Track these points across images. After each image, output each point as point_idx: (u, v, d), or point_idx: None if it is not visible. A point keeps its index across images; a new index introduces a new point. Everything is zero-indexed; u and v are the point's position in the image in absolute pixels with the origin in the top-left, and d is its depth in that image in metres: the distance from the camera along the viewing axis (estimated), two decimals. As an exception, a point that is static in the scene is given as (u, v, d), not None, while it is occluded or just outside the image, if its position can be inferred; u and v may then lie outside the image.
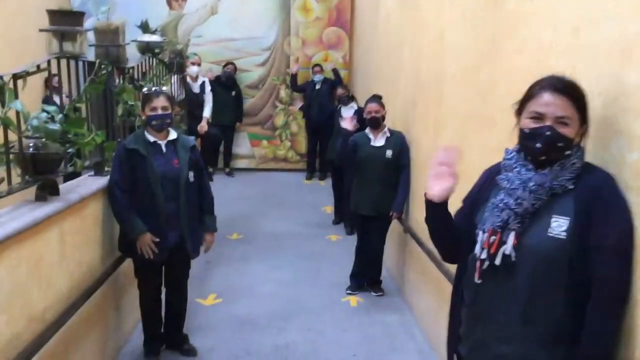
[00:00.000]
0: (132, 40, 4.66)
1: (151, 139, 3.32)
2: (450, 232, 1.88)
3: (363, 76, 7.64)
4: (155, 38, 4.58)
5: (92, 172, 3.43)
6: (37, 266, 2.42)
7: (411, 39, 4.53)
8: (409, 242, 4.45)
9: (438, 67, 3.71)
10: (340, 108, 6.70)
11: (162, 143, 3.34)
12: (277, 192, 8.20)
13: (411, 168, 4.47)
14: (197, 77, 6.25)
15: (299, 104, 8.95)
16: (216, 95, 8.56)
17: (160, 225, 3.27)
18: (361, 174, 4.63)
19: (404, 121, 4.75)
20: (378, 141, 4.53)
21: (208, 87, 6.46)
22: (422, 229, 4.14)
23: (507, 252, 1.66)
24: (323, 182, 8.73)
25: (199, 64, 6.21)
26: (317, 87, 8.55)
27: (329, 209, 7.38)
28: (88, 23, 8.76)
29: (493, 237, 1.69)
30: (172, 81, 5.46)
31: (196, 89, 6.26)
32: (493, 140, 2.66)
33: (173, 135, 3.39)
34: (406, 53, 4.72)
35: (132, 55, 4.27)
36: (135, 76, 4.22)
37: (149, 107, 3.28)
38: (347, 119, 4.54)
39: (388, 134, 4.54)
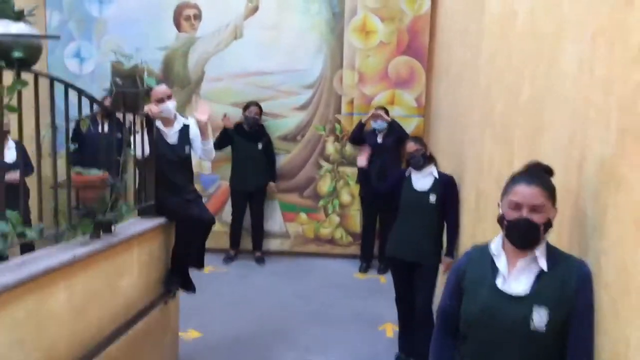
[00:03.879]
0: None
1: None
2: None
3: (451, 126, 4.96)
4: (17, 27, 2.12)
5: None
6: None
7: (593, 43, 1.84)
8: None
9: None
10: (409, 173, 4.04)
11: None
12: (316, 293, 5.54)
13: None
14: (174, 118, 3.79)
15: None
16: (237, 149, 6.14)
17: None
18: None
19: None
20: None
21: (194, 130, 3.90)
22: None
23: None
24: (383, 277, 5.98)
25: (168, 97, 3.68)
26: (379, 139, 5.94)
27: (390, 328, 4.69)
28: (70, 48, 6.73)
29: None
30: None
31: (172, 137, 3.77)
32: None
33: None
34: (569, 66, 2.02)
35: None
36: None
37: None
38: None
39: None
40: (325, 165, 6.44)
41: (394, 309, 4.28)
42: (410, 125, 6.21)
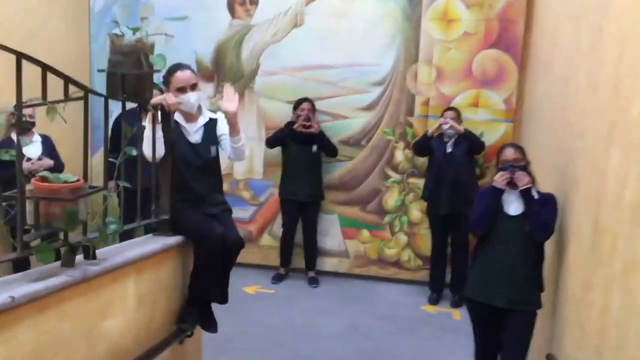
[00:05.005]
0: None
1: None
2: None
3: (553, 134, 3.94)
4: None
5: None
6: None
7: None
8: None
9: None
10: (501, 193, 3.11)
11: None
12: (376, 327, 4.67)
13: None
14: (198, 112, 3.04)
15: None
16: (288, 152, 5.36)
17: None
18: None
19: None
20: None
21: (224, 128, 3.10)
22: None
23: None
24: (457, 312, 5.00)
25: (192, 87, 2.93)
26: (449, 148, 4.99)
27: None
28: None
29: None
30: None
31: (195, 135, 3.02)
32: None
33: None
34: None
35: None
36: None
37: None
38: None
39: None
40: (393, 176, 5.52)
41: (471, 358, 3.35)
42: (497, 132, 5.20)
